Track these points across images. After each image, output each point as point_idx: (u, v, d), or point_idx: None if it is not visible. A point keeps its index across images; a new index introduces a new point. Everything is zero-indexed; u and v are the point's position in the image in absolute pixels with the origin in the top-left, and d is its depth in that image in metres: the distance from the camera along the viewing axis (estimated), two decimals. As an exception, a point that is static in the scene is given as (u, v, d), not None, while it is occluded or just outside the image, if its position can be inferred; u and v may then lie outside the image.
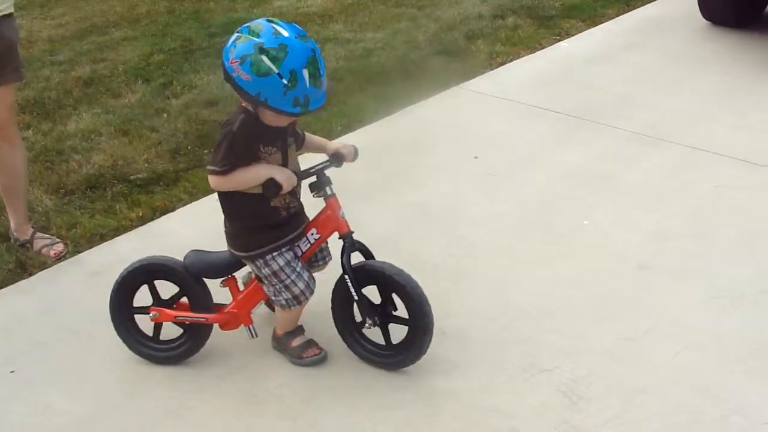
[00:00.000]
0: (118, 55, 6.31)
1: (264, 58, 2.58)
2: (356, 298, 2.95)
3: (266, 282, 2.97)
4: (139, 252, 3.77)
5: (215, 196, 4.18)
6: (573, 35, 6.45)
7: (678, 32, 6.42)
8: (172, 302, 3.12)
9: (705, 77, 5.56)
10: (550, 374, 2.99)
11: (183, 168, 4.58)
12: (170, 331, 3.14)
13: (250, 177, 2.78)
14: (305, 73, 2.61)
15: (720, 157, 4.46)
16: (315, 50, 2.66)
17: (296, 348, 3.10)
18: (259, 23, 2.66)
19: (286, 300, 2.96)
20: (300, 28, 2.71)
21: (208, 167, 2.82)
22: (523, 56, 6.02)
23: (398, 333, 3.00)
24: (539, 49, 6.16)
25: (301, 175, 2.89)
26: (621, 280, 3.53)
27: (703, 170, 4.36)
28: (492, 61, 5.91)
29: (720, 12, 6.43)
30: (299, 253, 2.97)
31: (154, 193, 4.33)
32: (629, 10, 6.98)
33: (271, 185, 2.76)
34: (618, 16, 6.87)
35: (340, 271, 2.95)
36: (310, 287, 2.97)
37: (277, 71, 2.58)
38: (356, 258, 2.96)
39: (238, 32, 2.68)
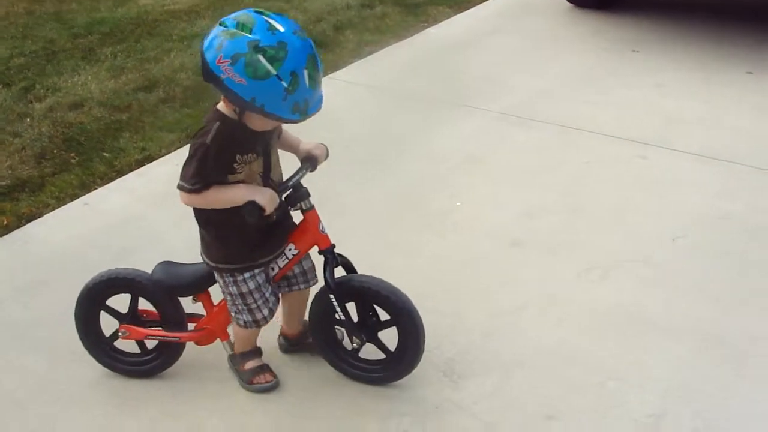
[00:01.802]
0: (-26, 60, 6.06)
1: (261, 58, 2.24)
2: (342, 317, 2.78)
3: (229, 299, 2.75)
4: (5, 262, 3.66)
5: (84, 199, 4.17)
6: (440, 21, 6.53)
7: (543, 15, 6.58)
8: (135, 311, 2.94)
9: (569, 58, 5.71)
10: (430, 354, 2.99)
11: (49, 173, 4.42)
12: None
13: (226, 198, 2.49)
14: (305, 74, 2.30)
15: (587, 133, 4.59)
16: (312, 47, 2.35)
17: (248, 371, 2.91)
18: (249, 15, 2.32)
19: (245, 321, 2.77)
20: (292, 21, 2.37)
21: (178, 182, 2.50)
22: (392, 44, 6.06)
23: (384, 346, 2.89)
24: (407, 37, 6.20)
25: (281, 189, 2.61)
26: (495, 257, 3.59)
27: (571, 147, 4.48)
28: (361, 51, 5.92)
29: (582, -6, 6.63)
30: (274, 270, 2.75)
31: (20, 200, 4.15)
32: (495, -6, 7.11)
33: (252, 208, 2.48)
34: (484, 1, 6.98)
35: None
36: (272, 312, 2.78)
37: (276, 73, 2.25)
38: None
39: (221, 25, 2.32)
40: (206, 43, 2.33)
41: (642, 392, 2.85)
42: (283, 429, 2.79)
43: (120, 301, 2.94)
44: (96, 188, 4.27)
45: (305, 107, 2.36)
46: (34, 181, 4.34)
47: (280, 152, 2.72)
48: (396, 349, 2.85)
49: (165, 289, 2.85)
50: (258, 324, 2.78)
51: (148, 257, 3.09)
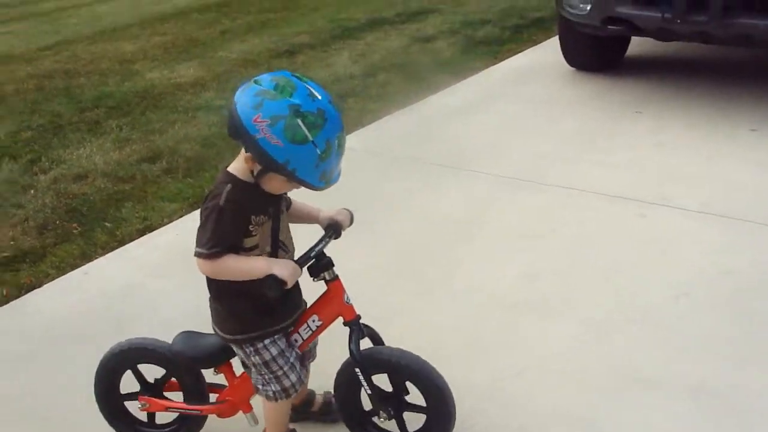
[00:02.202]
0: (-18, 136, 6.14)
1: (300, 122, 2.23)
2: (369, 391, 2.66)
3: (254, 370, 2.64)
4: (5, 331, 3.65)
5: (85, 269, 4.17)
6: (442, 89, 6.56)
7: (544, 80, 6.61)
8: (162, 385, 2.86)
9: (571, 121, 5.71)
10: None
11: (51, 243, 4.44)
12: (164, 416, 2.91)
13: (245, 269, 2.42)
14: (336, 144, 2.31)
15: (587, 194, 4.57)
16: (342, 120, 2.37)
17: None
18: (288, 79, 2.30)
19: (274, 392, 2.63)
20: (325, 90, 2.36)
21: (195, 249, 2.40)
22: (394, 112, 6.09)
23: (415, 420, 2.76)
24: (409, 104, 6.24)
25: (303, 260, 2.52)
26: (492, 321, 3.53)
27: (571, 208, 4.45)
28: (363, 118, 5.96)
29: (582, 58, 6.68)
30: (298, 341, 2.66)
31: (20, 271, 4.16)
32: (497, 62, 7.17)
33: (273, 283, 2.37)
34: (486, 68, 7.04)
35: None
36: (301, 380, 2.66)
37: (312, 140, 2.25)
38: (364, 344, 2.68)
39: (257, 84, 2.30)
40: (241, 100, 2.29)
41: (644, 453, 2.78)
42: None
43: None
44: (96, 258, 4.27)
45: (330, 176, 2.37)
46: (36, 251, 4.36)
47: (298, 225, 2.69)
48: (424, 425, 2.74)
49: (186, 361, 2.75)
50: (287, 393, 2.64)
51: (147, 327, 3.07)
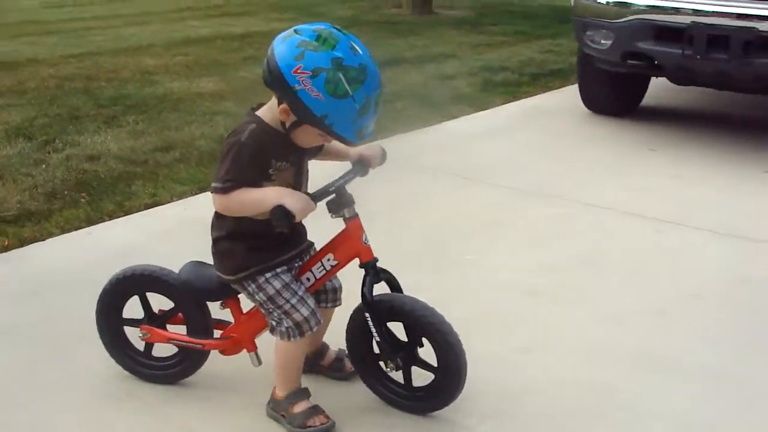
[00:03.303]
0: (-1, 118, 6.14)
1: (342, 76, 2.20)
2: (377, 338, 2.57)
3: (263, 310, 2.55)
4: (4, 274, 3.62)
5: (88, 230, 4.12)
6: (461, 117, 6.57)
7: (561, 117, 6.63)
8: (166, 318, 2.80)
9: (587, 150, 5.71)
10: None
11: (57, 208, 4.39)
12: (165, 348, 2.83)
13: (254, 199, 2.35)
14: (374, 100, 2.29)
15: (603, 209, 4.54)
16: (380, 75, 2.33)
17: (299, 415, 2.58)
18: (330, 31, 2.26)
19: (287, 328, 2.50)
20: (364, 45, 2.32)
21: (212, 185, 2.38)
22: (412, 131, 6.06)
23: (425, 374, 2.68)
24: (427, 127, 6.22)
25: (320, 194, 2.45)
26: (507, 303, 3.49)
27: (588, 219, 4.44)
28: (379, 135, 5.91)
29: (600, 100, 6.67)
30: (310, 280, 2.57)
31: (24, 227, 4.11)
32: (515, 100, 7.20)
33: (281, 214, 2.27)
34: (504, 104, 7.06)
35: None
36: (315, 315, 2.51)
37: (352, 95, 2.22)
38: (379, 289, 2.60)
39: (298, 34, 2.26)
40: (280, 49, 2.26)
41: (655, 424, 2.71)
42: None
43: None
44: (102, 223, 4.22)
45: (365, 132, 2.34)
46: (42, 213, 4.33)
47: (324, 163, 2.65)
48: (433, 381, 2.64)
49: (192, 291, 2.68)
50: (301, 329, 2.50)
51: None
